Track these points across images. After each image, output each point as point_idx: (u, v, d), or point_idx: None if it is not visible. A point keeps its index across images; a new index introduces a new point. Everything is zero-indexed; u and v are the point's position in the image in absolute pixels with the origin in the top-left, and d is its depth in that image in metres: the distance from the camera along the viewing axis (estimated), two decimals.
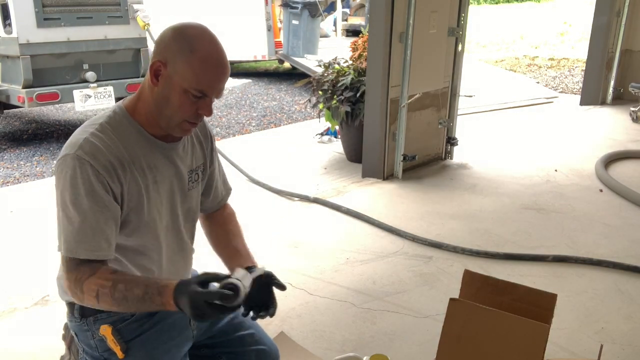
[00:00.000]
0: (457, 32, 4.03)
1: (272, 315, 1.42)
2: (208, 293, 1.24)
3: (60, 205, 1.29)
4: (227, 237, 1.62)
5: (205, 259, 1.73)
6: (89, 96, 5.18)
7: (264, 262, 2.71)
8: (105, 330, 1.46)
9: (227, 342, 1.64)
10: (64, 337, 1.56)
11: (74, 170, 1.26)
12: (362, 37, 4.35)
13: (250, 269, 1.41)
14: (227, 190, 1.65)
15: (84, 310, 1.45)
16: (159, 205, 1.39)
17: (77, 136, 1.29)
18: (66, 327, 1.54)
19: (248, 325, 1.66)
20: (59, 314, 2.23)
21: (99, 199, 1.27)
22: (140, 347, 1.47)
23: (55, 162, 1.59)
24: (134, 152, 1.33)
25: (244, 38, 9.19)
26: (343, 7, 11.88)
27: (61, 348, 1.55)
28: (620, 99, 6.22)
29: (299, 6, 8.26)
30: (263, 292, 1.43)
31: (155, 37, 1.37)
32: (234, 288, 1.24)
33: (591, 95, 6.17)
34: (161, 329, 1.50)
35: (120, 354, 1.45)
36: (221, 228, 1.65)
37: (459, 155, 4.35)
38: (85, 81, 5.18)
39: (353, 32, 11.10)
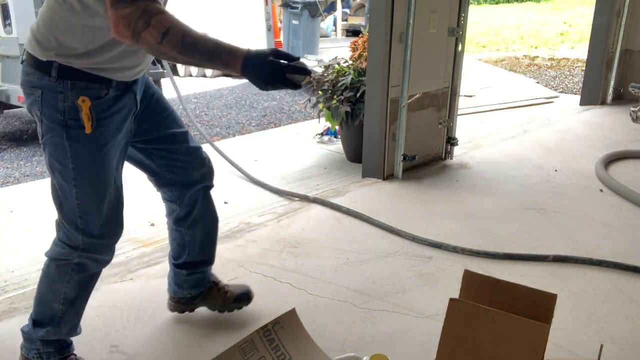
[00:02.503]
0: (457, 32, 4.03)
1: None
2: (288, 66, 1.40)
3: None
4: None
5: None
6: None
7: (265, 262, 2.72)
8: (85, 102, 1.50)
9: (160, 138, 1.79)
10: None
11: None
12: (362, 37, 4.35)
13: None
14: None
15: (63, 71, 1.48)
16: None
17: None
18: (29, 84, 1.54)
19: (181, 125, 1.84)
20: None
21: None
22: (102, 129, 1.55)
23: None
24: None
25: (244, 38, 9.19)
26: (343, 7, 11.89)
27: None
28: (620, 99, 6.22)
29: (299, 6, 8.27)
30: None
31: None
32: (306, 68, 1.41)
33: (591, 95, 6.17)
34: (119, 118, 1.59)
35: (88, 129, 1.51)
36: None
37: (459, 155, 4.35)
38: None
39: (353, 32, 11.11)
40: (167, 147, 1.82)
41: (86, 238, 1.64)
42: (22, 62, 1.57)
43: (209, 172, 1.93)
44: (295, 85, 1.42)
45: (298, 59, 1.45)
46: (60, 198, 1.66)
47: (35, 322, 1.77)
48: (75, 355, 1.85)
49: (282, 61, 1.41)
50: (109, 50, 1.51)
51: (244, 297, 2.19)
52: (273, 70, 1.38)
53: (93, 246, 1.66)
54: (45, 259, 1.76)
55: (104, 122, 1.55)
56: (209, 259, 2.09)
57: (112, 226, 1.68)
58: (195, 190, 1.92)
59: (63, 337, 1.80)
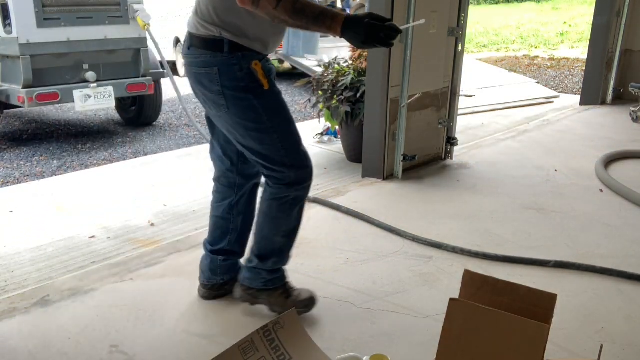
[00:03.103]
0: (457, 32, 4.03)
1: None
2: (382, 26, 1.63)
3: None
4: None
5: None
6: (89, 96, 5.17)
7: None
8: (257, 65, 1.83)
9: None
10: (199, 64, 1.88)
11: None
12: None
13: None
14: None
15: (234, 46, 1.79)
16: None
17: None
18: (203, 64, 1.84)
19: None
20: (59, 314, 2.23)
21: None
22: (273, 84, 1.89)
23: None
24: None
25: None
26: (343, 7, 11.87)
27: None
28: (620, 99, 6.22)
29: None
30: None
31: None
32: (397, 28, 1.64)
33: (591, 95, 6.17)
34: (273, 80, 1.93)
35: (266, 85, 1.85)
36: None
37: (459, 155, 4.35)
38: (85, 81, 5.18)
39: None
40: None
41: (296, 171, 1.95)
42: (188, 48, 1.87)
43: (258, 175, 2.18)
44: (387, 44, 1.65)
45: (390, 20, 1.66)
46: (263, 151, 1.93)
47: (260, 256, 2.08)
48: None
49: (376, 22, 1.62)
50: (256, 26, 1.81)
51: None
52: (368, 30, 1.61)
53: (302, 176, 1.98)
54: None
55: (270, 79, 1.88)
56: (243, 250, 2.26)
57: (308, 157, 2.02)
58: (251, 184, 2.18)
59: (285, 265, 2.13)
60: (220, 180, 2.23)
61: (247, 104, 1.84)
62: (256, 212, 2.16)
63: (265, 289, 2.13)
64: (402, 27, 1.71)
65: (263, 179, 2.10)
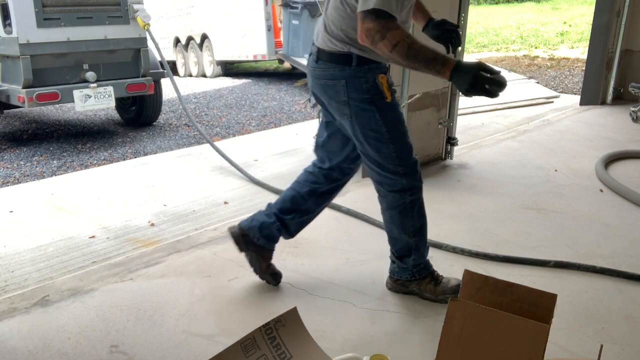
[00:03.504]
0: None
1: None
2: (488, 79, 1.71)
3: None
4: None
5: None
6: (89, 96, 5.18)
7: None
8: (382, 79, 1.98)
9: None
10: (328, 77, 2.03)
11: None
12: None
13: (430, 20, 2.21)
14: None
15: (361, 60, 1.94)
16: None
17: None
18: (331, 77, 2.00)
19: None
20: (59, 314, 2.23)
21: None
22: (394, 96, 2.02)
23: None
24: None
25: (244, 38, 9.19)
26: None
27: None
28: (620, 99, 6.22)
29: (299, 6, 8.25)
30: (446, 29, 2.19)
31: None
32: (502, 81, 1.69)
33: (591, 95, 6.17)
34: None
35: (389, 98, 1.99)
36: (418, 9, 2.30)
37: (459, 155, 4.35)
38: (85, 81, 5.19)
39: None
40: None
41: (408, 178, 2.10)
42: (316, 62, 2.04)
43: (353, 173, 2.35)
44: (491, 95, 1.72)
45: (499, 72, 1.72)
46: (378, 159, 2.08)
47: (400, 257, 2.28)
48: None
49: (484, 74, 1.71)
50: None
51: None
52: (474, 80, 1.70)
53: (412, 182, 2.12)
54: None
55: (391, 91, 2.01)
56: (296, 232, 2.40)
57: (417, 161, 2.14)
58: (342, 182, 2.34)
59: (425, 257, 2.30)
60: (320, 166, 2.35)
61: (369, 115, 2.00)
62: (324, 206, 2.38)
63: (413, 279, 2.29)
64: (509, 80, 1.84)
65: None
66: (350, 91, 1.98)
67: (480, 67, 1.72)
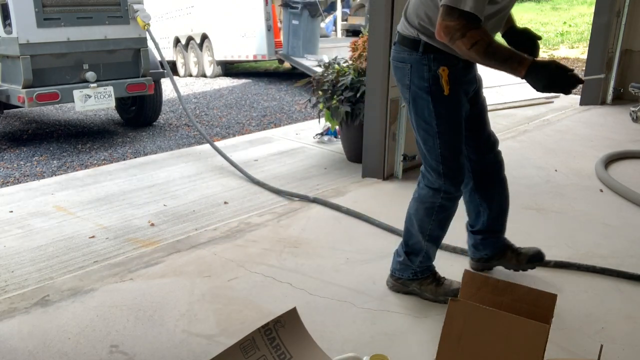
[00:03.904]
0: None
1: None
2: (567, 75, 1.74)
3: None
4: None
5: None
6: (89, 96, 5.18)
7: (265, 262, 2.72)
8: (444, 71, 1.96)
9: (470, 126, 2.18)
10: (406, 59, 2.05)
11: None
12: (362, 37, 4.35)
13: (511, 28, 2.11)
14: None
15: (427, 47, 1.96)
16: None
17: None
18: (401, 60, 2.06)
19: (487, 119, 2.31)
20: (59, 314, 2.23)
21: None
22: (455, 93, 1.99)
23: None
24: None
25: (243, 38, 9.19)
26: (343, 7, 11.87)
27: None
28: (620, 99, 6.22)
29: (299, 6, 8.26)
30: (527, 38, 2.10)
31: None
32: (579, 78, 1.75)
33: (591, 95, 6.17)
34: (464, 87, 2.06)
35: (447, 92, 1.97)
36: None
37: None
38: (85, 81, 5.19)
39: (353, 32, 11.11)
40: (471, 134, 2.20)
41: (446, 181, 2.09)
42: (394, 44, 2.11)
43: (497, 153, 2.32)
44: (567, 91, 1.76)
45: (572, 70, 1.77)
46: (425, 151, 2.10)
47: (408, 253, 2.27)
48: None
49: (559, 71, 1.74)
50: None
51: (536, 257, 2.39)
52: (550, 78, 1.73)
53: (449, 188, 2.11)
54: None
55: (455, 87, 1.99)
56: (500, 228, 2.42)
57: (462, 170, 2.14)
58: (486, 165, 2.30)
59: (431, 263, 2.30)
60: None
61: (424, 104, 2.02)
62: (504, 191, 2.36)
63: (415, 279, 2.30)
64: (583, 78, 1.84)
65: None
66: (414, 76, 2.01)
67: (555, 64, 1.75)
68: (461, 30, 1.74)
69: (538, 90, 1.77)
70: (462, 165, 2.13)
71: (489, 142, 2.30)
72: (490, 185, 2.35)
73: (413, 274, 2.30)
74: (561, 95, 7.00)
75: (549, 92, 1.77)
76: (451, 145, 2.07)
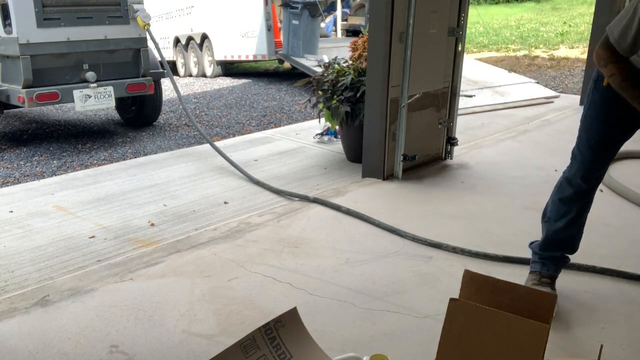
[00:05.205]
0: (457, 32, 4.03)
1: None
2: None
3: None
4: None
5: None
6: (89, 96, 5.18)
7: (265, 262, 2.72)
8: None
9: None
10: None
11: None
12: (362, 37, 4.35)
13: None
14: None
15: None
16: None
17: None
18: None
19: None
20: (59, 314, 2.23)
21: None
22: (612, 93, 2.02)
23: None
24: None
25: (243, 38, 9.19)
26: (343, 7, 11.87)
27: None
28: None
29: (299, 6, 8.25)
30: None
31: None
32: None
33: None
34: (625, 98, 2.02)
35: (605, 82, 2.03)
36: None
37: (459, 155, 4.35)
38: (85, 81, 5.18)
39: (353, 32, 11.10)
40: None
41: (574, 167, 2.22)
42: None
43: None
44: None
45: None
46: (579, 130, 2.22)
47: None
48: None
49: None
50: None
51: None
52: None
53: (574, 176, 2.23)
54: None
55: (610, 89, 2.03)
56: (572, 250, 2.44)
57: (591, 158, 2.18)
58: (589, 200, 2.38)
59: (541, 253, 2.38)
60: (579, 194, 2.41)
61: (590, 90, 2.18)
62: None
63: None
64: None
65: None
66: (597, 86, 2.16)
67: None
68: (605, 61, 1.93)
69: None
70: (594, 156, 2.21)
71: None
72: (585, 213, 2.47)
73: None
74: (561, 95, 7.03)
75: None
76: (589, 131, 2.18)
